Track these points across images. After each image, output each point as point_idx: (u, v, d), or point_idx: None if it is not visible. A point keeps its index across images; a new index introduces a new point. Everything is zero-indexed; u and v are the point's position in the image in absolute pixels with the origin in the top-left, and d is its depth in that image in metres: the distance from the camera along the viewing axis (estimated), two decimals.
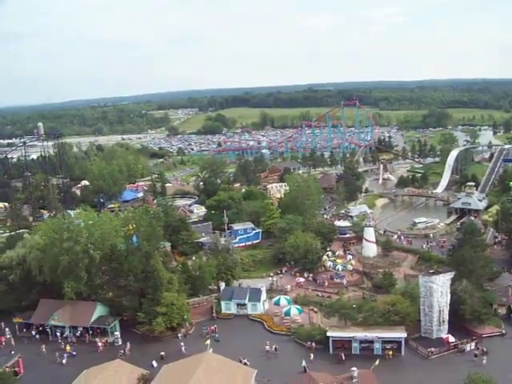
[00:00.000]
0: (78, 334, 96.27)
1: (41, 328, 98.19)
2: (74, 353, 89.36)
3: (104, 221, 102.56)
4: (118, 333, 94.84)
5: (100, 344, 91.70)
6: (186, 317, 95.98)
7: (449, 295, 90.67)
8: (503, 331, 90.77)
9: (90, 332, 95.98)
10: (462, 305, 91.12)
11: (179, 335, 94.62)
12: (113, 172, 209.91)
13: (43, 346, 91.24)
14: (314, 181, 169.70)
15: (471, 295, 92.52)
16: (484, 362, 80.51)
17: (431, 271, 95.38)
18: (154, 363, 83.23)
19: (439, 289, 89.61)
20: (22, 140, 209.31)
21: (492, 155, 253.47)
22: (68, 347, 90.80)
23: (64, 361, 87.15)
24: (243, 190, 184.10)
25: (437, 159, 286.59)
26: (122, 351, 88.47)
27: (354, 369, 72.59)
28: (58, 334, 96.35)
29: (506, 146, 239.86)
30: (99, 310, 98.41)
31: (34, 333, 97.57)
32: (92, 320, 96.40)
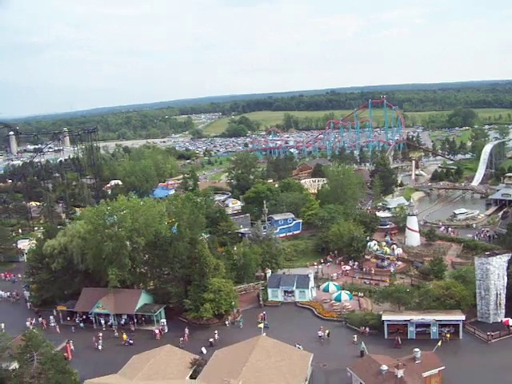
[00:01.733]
0: (122, 322, 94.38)
1: (84, 316, 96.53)
2: (131, 341, 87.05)
3: (148, 206, 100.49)
4: (164, 320, 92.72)
5: (157, 331, 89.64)
6: (233, 303, 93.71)
7: (506, 278, 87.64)
8: None
9: (135, 320, 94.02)
10: None
11: (226, 322, 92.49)
12: (145, 168, 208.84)
13: (100, 334, 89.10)
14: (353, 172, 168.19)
15: None
16: None
17: (487, 253, 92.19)
18: (204, 350, 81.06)
19: (496, 271, 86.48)
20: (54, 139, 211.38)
21: None
22: (125, 336, 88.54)
23: (99, 347, 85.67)
24: (276, 185, 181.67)
25: (467, 156, 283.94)
26: (182, 339, 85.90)
27: (417, 350, 70.03)
28: (103, 321, 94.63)
29: None
30: (144, 298, 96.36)
31: (78, 321, 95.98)
32: (137, 308, 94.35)
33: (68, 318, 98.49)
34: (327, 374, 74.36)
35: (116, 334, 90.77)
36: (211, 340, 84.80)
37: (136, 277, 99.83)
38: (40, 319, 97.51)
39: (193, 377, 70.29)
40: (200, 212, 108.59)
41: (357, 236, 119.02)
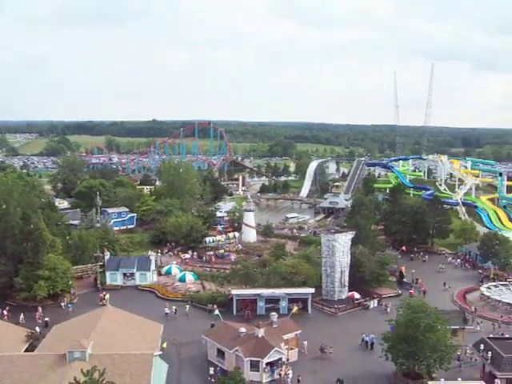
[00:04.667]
0: None
1: None
2: None
3: None
4: None
5: (5, 312, 79.42)
6: (70, 282, 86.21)
7: (349, 256, 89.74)
8: (399, 291, 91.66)
9: None
10: (360, 267, 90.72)
11: (62, 304, 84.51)
12: None
13: None
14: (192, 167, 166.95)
15: (368, 258, 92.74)
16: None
17: (333, 230, 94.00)
18: (38, 329, 72.81)
19: (341, 248, 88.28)
20: None
21: (344, 175, 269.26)
22: None
23: None
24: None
25: (291, 178, 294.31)
26: (40, 321, 77.29)
27: (274, 314, 69.58)
28: None
29: (362, 158, 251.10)
30: None
31: None
32: None
33: None
34: (178, 346, 70.58)
35: None
36: (46, 319, 76.89)
37: None
38: None
39: (29, 350, 62.59)
40: (32, 192, 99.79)
41: (196, 226, 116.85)
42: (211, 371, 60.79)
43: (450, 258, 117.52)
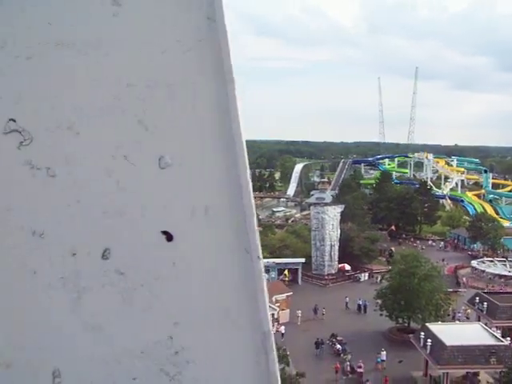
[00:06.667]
0: None
1: None
2: None
3: None
4: None
5: None
6: None
7: (339, 230, 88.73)
8: (389, 267, 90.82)
9: None
10: (350, 242, 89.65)
11: None
12: None
13: None
14: None
15: (357, 234, 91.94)
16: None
17: (322, 204, 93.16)
18: None
19: (331, 221, 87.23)
20: None
21: (329, 179, 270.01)
22: None
23: None
24: None
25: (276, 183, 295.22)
26: None
27: (265, 274, 67.37)
28: None
29: (349, 159, 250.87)
30: None
31: None
32: None
33: None
34: None
35: None
36: None
37: None
38: None
39: None
40: None
41: None
42: None
43: (431, 242, 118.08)
